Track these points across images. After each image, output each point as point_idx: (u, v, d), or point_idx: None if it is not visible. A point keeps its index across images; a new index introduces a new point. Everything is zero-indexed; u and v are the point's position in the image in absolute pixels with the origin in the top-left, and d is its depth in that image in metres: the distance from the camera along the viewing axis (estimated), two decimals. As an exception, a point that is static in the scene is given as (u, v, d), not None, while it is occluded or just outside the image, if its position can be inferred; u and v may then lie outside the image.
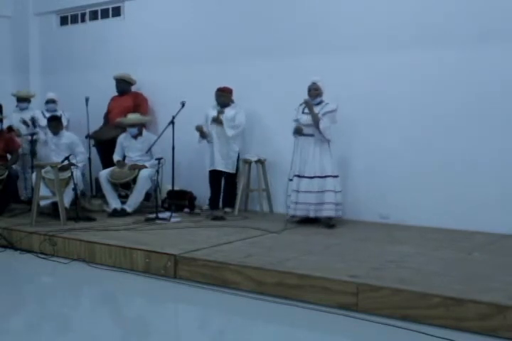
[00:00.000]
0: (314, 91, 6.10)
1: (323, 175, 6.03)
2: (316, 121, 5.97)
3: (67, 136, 7.17)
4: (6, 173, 6.93)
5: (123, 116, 7.42)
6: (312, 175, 6.04)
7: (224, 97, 6.99)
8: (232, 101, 7.06)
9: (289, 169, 6.22)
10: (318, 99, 6.11)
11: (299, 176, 6.12)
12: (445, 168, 6.09)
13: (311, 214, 6.09)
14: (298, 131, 6.12)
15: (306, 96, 6.14)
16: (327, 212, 6.04)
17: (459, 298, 3.58)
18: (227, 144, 6.99)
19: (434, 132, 6.14)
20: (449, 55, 6.00)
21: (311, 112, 6.01)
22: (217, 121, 6.93)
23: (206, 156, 7.11)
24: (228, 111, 6.97)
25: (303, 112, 6.14)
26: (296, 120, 6.17)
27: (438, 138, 6.12)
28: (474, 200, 5.90)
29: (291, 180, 6.22)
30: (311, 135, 6.08)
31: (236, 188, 7.17)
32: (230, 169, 7.03)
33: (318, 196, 6.01)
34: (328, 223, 6.09)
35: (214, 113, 6.99)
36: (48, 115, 7.71)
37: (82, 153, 7.20)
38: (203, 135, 6.98)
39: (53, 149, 7.13)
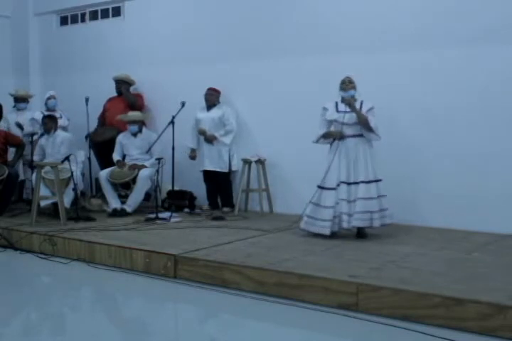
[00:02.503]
0: (349, 84, 5.43)
1: (377, 178, 5.45)
2: (363, 119, 5.34)
3: (63, 137, 7.14)
4: (6, 173, 6.91)
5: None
6: (368, 180, 5.39)
7: (214, 96, 7.20)
8: (219, 102, 7.24)
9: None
10: (352, 92, 5.44)
11: (349, 183, 5.40)
12: (445, 168, 6.08)
13: (375, 224, 5.38)
14: (341, 137, 5.42)
15: (306, 97, 6.11)
16: (389, 219, 5.49)
17: (459, 298, 3.58)
18: (217, 145, 7.11)
19: (434, 132, 6.13)
20: (450, 53, 6.00)
21: (355, 110, 5.35)
22: (209, 140, 7.08)
23: (200, 156, 7.25)
24: (215, 112, 7.13)
25: (338, 111, 5.48)
26: (333, 120, 5.50)
27: (438, 139, 6.12)
28: (474, 200, 5.90)
29: (323, 187, 5.45)
30: (359, 135, 5.45)
31: (231, 187, 7.26)
32: (222, 169, 7.12)
33: (379, 202, 5.41)
34: (365, 233, 5.54)
35: (202, 115, 7.15)
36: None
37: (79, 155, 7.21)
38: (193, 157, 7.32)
39: (50, 153, 7.06)
